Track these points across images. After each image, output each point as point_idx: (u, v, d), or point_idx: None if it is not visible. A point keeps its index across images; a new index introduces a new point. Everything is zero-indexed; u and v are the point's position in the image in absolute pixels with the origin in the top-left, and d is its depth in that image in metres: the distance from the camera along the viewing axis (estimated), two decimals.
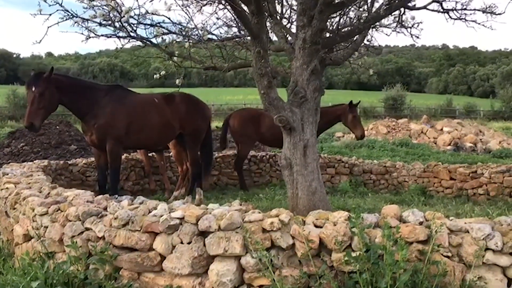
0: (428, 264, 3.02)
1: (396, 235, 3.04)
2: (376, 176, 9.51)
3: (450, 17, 5.38)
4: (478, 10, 5.27)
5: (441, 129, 20.17)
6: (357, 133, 9.08)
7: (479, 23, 5.35)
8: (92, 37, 4.91)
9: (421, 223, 3.24)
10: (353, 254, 3.08)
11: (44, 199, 4.38)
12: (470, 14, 5.34)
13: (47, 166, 7.33)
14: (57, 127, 13.74)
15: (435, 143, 18.89)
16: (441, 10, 5.29)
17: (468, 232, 3.11)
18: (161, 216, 3.54)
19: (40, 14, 4.30)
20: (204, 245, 3.36)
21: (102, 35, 4.97)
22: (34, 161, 7.69)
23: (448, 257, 3.09)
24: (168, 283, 3.45)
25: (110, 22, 4.76)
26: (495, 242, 3.01)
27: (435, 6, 5.27)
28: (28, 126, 5.79)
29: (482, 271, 3.05)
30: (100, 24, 4.80)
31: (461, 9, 5.31)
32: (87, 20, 4.69)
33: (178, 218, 3.49)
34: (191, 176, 7.73)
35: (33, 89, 5.77)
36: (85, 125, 6.45)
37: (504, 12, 5.20)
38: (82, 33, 4.83)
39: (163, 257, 3.50)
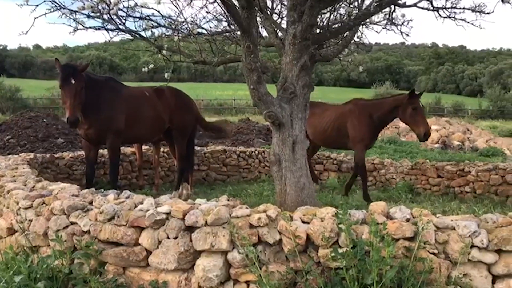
0: (415, 260, 3.03)
1: (383, 231, 3.05)
2: None
3: (439, 15, 5.40)
4: (468, 9, 5.30)
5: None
6: (419, 130, 7.00)
7: (468, 22, 5.37)
8: (80, 29, 4.84)
9: (408, 220, 3.25)
10: (340, 250, 3.08)
11: (28, 192, 4.32)
12: (460, 12, 5.37)
13: (33, 159, 7.24)
14: (44, 120, 13.60)
15: None
16: (431, 8, 5.30)
17: (455, 229, 3.13)
18: (148, 210, 3.51)
19: (27, 4, 4.20)
20: (191, 240, 3.35)
21: (90, 28, 4.90)
22: (20, 154, 7.60)
23: (434, 254, 3.10)
24: (153, 278, 3.43)
25: (98, 14, 4.69)
26: (480, 239, 3.03)
27: (425, 4, 5.28)
28: (74, 120, 5.53)
29: (468, 268, 3.06)
30: (88, 16, 4.73)
31: (451, 8, 5.34)
32: (75, 11, 4.61)
33: (164, 213, 3.46)
34: (178, 170, 7.70)
35: (73, 82, 5.55)
36: (82, 117, 6.05)
37: (493, 12, 5.23)
38: (70, 25, 4.76)
39: (149, 252, 3.48)
